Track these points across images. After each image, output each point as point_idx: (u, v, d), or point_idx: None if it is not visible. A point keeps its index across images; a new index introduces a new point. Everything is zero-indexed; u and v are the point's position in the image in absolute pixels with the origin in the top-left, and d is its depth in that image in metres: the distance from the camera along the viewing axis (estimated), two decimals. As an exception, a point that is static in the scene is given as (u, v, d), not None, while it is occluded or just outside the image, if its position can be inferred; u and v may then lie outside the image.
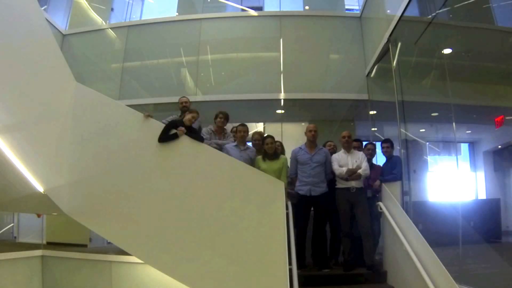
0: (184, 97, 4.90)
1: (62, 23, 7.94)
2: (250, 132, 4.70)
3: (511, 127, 3.96)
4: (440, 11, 4.36)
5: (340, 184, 4.25)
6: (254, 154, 4.33)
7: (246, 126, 4.41)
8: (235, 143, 4.30)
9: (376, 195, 4.45)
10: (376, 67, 6.22)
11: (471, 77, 4.47)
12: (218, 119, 4.53)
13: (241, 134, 4.28)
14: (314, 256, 4.26)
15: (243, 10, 7.97)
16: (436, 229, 3.92)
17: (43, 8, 7.49)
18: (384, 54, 5.64)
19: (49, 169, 3.12)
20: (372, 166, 4.58)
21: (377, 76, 6.35)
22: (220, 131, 4.57)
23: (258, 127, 8.06)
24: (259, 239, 3.44)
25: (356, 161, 4.24)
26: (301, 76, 6.81)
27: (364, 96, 6.59)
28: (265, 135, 4.60)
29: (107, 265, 4.38)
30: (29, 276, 4.49)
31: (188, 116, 3.92)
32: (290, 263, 3.18)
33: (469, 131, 5.08)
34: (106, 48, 7.81)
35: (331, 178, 4.34)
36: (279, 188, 3.72)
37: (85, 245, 5.30)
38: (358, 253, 4.13)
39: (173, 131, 3.67)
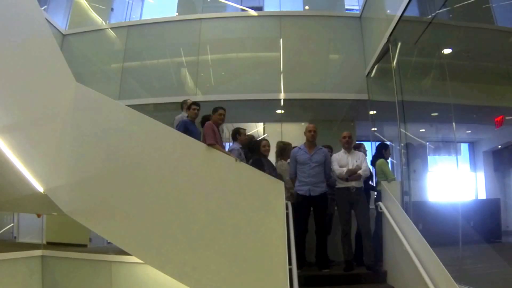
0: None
1: (62, 23, 7.93)
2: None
3: (511, 127, 3.96)
4: (440, 11, 4.35)
5: (340, 184, 4.25)
6: None
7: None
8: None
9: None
10: (376, 67, 6.22)
11: (471, 77, 4.48)
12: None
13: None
14: (316, 256, 4.27)
15: (243, 10, 7.97)
16: (436, 229, 3.92)
17: (43, 8, 7.49)
18: (384, 54, 5.63)
19: (49, 169, 3.10)
20: None
21: (377, 76, 6.34)
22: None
23: (258, 127, 8.08)
24: (259, 239, 3.43)
25: (356, 161, 4.25)
26: (301, 76, 6.81)
27: (364, 96, 6.58)
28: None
29: (107, 265, 4.37)
30: (29, 276, 4.48)
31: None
32: (290, 263, 3.18)
33: (469, 131, 5.09)
34: (106, 48, 7.80)
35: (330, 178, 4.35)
36: (279, 188, 3.72)
37: (85, 245, 5.29)
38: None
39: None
